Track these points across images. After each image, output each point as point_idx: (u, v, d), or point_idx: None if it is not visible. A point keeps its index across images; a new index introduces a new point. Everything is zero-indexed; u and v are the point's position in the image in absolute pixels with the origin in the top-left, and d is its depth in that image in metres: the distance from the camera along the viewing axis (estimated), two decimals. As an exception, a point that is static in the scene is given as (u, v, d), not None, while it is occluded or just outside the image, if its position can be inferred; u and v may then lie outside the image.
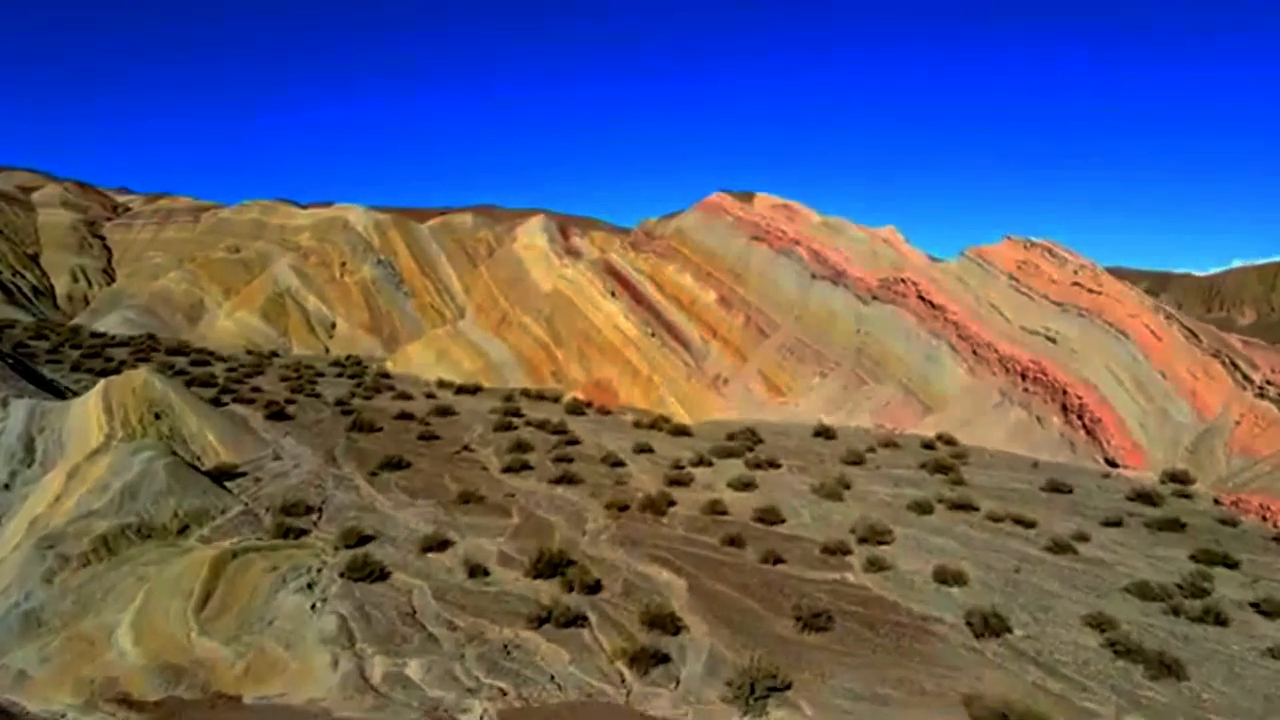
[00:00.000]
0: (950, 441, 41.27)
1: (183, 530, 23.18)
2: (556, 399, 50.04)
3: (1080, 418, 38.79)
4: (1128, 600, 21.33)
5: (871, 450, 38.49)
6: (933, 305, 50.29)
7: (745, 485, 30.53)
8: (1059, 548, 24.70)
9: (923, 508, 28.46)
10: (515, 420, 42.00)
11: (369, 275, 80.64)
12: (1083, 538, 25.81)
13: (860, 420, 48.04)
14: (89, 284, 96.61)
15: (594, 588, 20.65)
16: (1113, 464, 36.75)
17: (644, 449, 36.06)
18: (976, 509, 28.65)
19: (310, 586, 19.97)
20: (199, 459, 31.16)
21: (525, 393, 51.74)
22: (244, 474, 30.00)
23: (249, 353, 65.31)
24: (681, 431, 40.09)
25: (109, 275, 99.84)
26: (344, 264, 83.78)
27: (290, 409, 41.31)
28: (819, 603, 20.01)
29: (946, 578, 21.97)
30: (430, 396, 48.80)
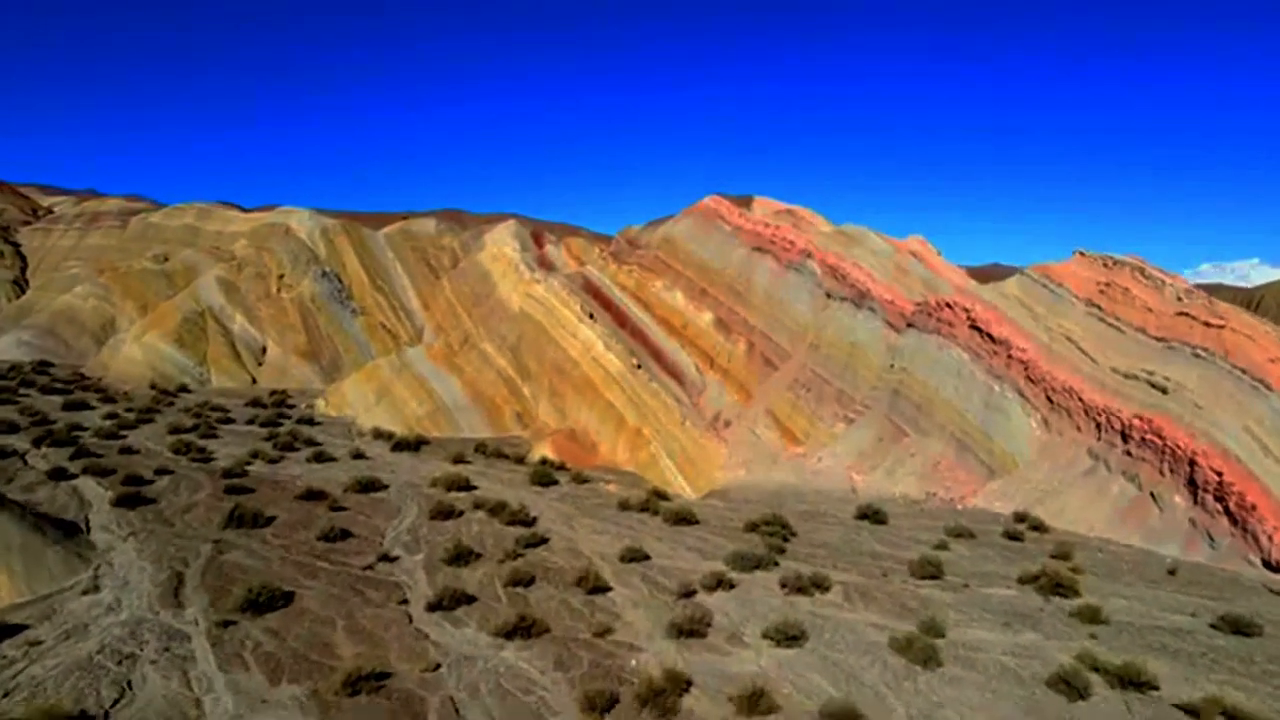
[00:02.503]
0: (1039, 527, 31.31)
1: None
2: (520, 459, 39.52)
3: (1221, 500, 28.94)
4: None
5: (943, 547, 28.36)
6: (992, 338, 40.36)
7: (791, 637, 20.28)
8: (1344, 795, 14.60)
9: (1072, 686, 18.32)
10: (461, 499, 31.55)
11: (309, 290, 69.68)
12: (1360, 761, 15.75)
13: (904, 484, 38.01)
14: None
15: None
16: (1275, 568, 26.89)
17: (635, 555, 25.70)
18: (1155, 688, 18.56)
19: None
20: (-40, 599, 20.50)
21: (481, 447, 41.17)
22: (24, 627, 19.41)
23: (152, 387, 54.29)
24: (683, 519, 29.73)
25: (20, 287, 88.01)
26: (282, 276, 72.78)
27: (157, 485, 30.79)
28: None
29: None
30: (358, 456, 38.14)
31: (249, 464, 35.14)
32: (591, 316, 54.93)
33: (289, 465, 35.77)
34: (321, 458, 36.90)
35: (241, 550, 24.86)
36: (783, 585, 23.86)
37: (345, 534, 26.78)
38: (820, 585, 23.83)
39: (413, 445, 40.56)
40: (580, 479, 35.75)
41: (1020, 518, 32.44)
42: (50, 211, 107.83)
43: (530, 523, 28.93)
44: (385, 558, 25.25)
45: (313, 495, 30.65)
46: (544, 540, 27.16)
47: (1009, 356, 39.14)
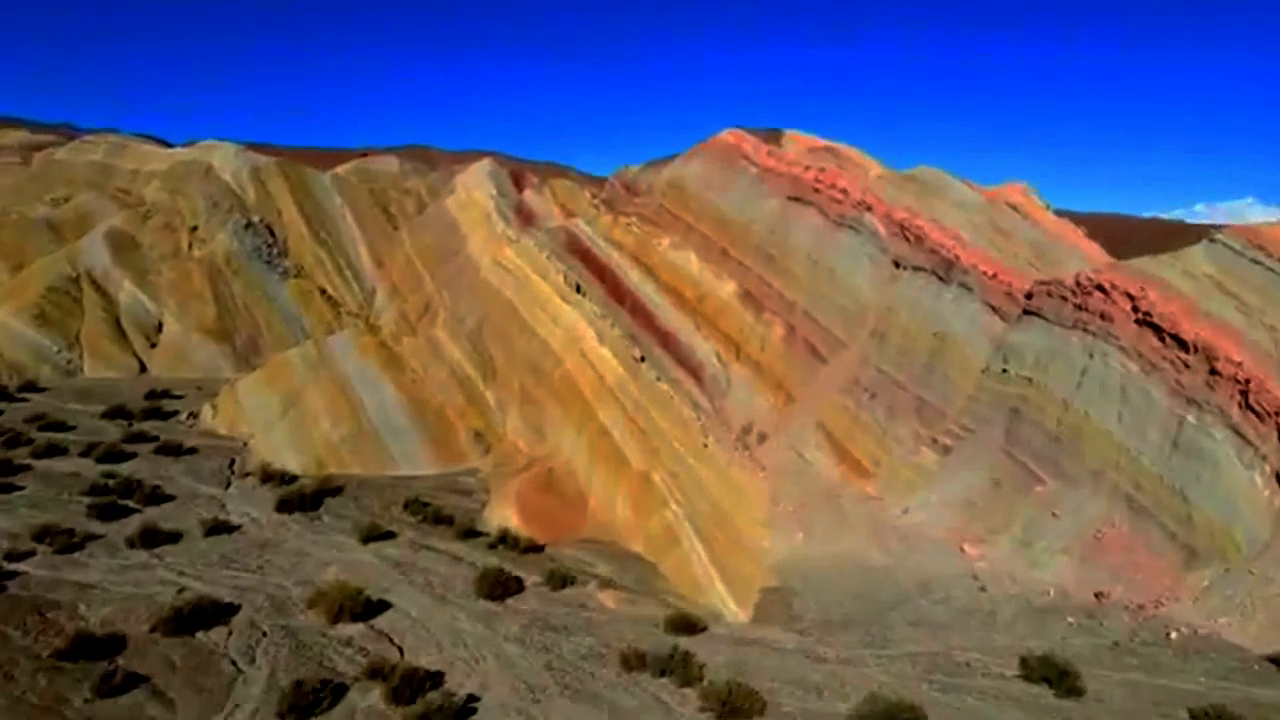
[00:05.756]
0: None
1: None
2: (470, 530, 26.00)
3: None
4: None
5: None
6: (1179, 341, 26.97)
7: None
8: None
9: None
10: (352, 644, 18.41)
11: (224, 248, 55.42)
12: None
13: (1053, 568, 25.06)
14: None
15: None
16: None
17: None
18: None
19: None
20: None
21: (414, 503, 27.69)
22: None
23: (-11, 384, 40.60)
24: (737, 709, 16.50)
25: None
26: (195, 229, 58.50)
27: None
28: None
29: None
30: (217, 529, 24.68)
31: (25, 557, 21.79)
32: (579, 290, 41.25)
33: (92, 556, 22.37)
34: (153, 536, 23.48)
35: None
36: None
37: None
38: None
39: (310, 500, 27.10)
40: (558, 578, 22.42)
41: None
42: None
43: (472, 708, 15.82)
44: None
45: (86, 647, 17.42)
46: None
47: (1211, 371, 25.84)
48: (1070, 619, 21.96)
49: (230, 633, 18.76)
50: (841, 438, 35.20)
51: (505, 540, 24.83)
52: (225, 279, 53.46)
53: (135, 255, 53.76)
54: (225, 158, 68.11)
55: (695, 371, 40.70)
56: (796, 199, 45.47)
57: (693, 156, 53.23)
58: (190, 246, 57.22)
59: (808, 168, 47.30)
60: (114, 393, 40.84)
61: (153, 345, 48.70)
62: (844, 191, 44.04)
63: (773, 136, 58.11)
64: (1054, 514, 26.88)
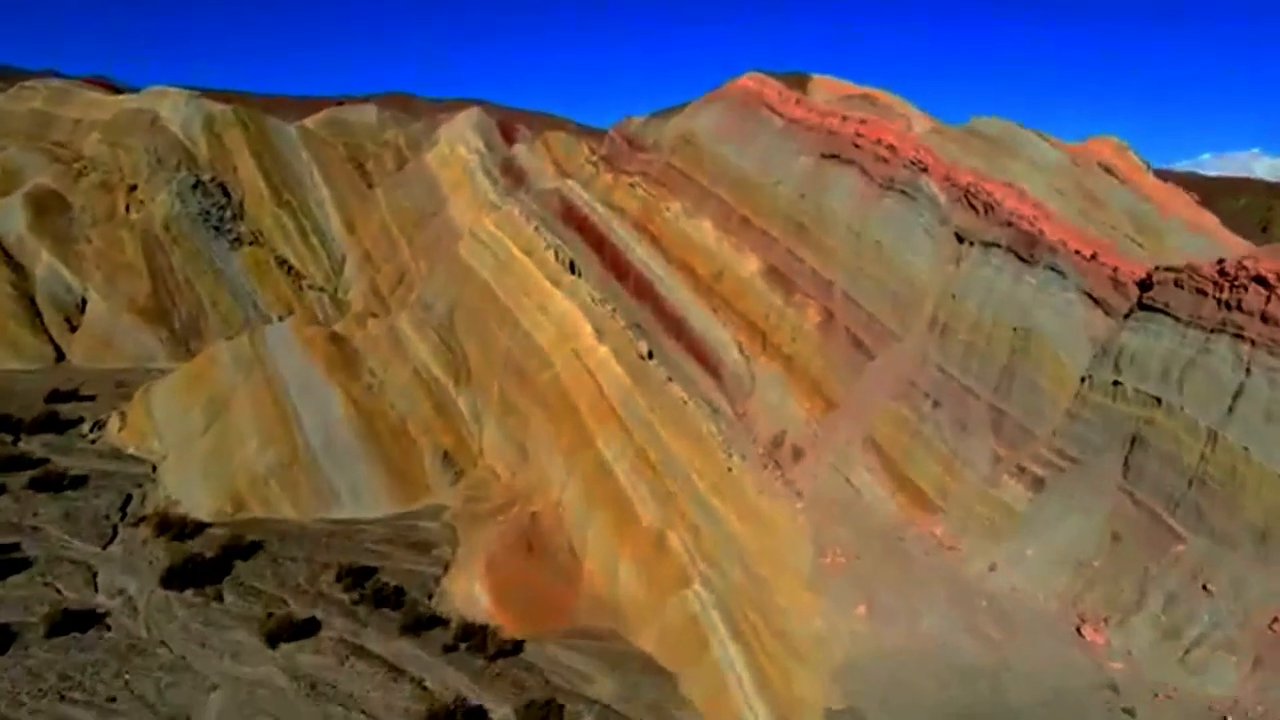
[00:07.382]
0: None
1: None
2: (423, 616, 19.12)
3: None
4: None
5: None
6: (1384, 360, 19.96)
7: None
8: None
9: None
10: None
11: (163, 210, 47.89)
12: None
13: (1213, 672, 18.42)
14: None
15: None
16: None
17: None
18: None
19: None
20: None
21: (349, 574, 20.76)
22: None
23: None
24: None
25: None
26: (134, 188, 50.96)
27: None
28: None
29: None
30: (71, 622, 17.82)
31: None
32: (573, 269, 34.09)
33: None
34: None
35: None
36: None
37: None
38: None
39: (211, 568, 20.23)
40: (539, 709, 15.69)
41: None
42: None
43: None
44: None
45: None
46: None
47: None
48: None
49: None
50: (898, 458, 28.42)
51: (469, 637, 18.02)
52: (163, 247, 46.07)
53: (59, 220, 46.33)
54: (174, 106, 60.11)
55: (713, 368, 33.74)
56: (832, 157, 38.02)
57: (706, 105, 45.46)
58: (127, 209, 49.74)
59: (845, 119, 39.76)
60: (11, 392, 33.80)
61: (73, 329, 41.47)
62: (891, 148, 36.60)
63: (798, 82, 50.28)
64: (1205, 587, 20.18)
